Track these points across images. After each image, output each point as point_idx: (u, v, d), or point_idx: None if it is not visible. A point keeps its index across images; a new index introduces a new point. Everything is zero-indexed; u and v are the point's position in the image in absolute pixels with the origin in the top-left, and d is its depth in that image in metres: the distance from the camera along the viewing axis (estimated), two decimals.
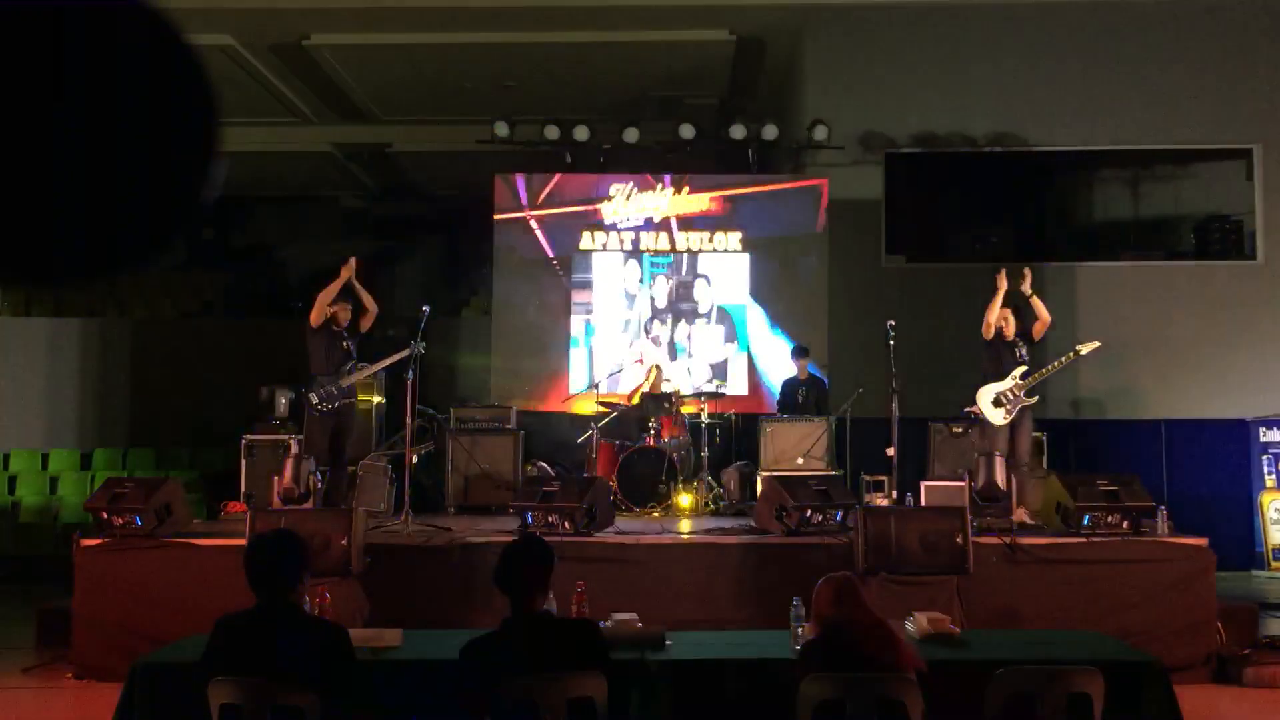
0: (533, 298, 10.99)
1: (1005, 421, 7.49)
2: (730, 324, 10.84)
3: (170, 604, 6.07)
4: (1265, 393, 10.75)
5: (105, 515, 6.53)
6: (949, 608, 5.45)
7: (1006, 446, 7.49)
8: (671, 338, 10.86)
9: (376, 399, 10.14)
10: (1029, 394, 7.52)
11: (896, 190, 11.39)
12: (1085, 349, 7.56)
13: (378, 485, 8.57)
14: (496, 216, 11.04)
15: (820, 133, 10.72)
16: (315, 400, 7.33)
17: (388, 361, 7.80)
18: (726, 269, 10.93)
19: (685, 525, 7.76)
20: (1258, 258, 11.22)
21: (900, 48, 11.31)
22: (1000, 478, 6.75)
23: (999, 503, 6.70)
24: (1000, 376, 7.58)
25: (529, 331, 10.94)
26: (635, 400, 9.43)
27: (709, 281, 10.88)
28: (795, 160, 11.71)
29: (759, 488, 8.30)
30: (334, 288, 7.53)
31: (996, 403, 7.54)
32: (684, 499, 8.52)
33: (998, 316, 7.63)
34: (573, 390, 10.50)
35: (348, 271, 7.58)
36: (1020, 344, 7.68)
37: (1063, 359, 7.63)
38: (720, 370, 10.71)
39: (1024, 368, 7.58)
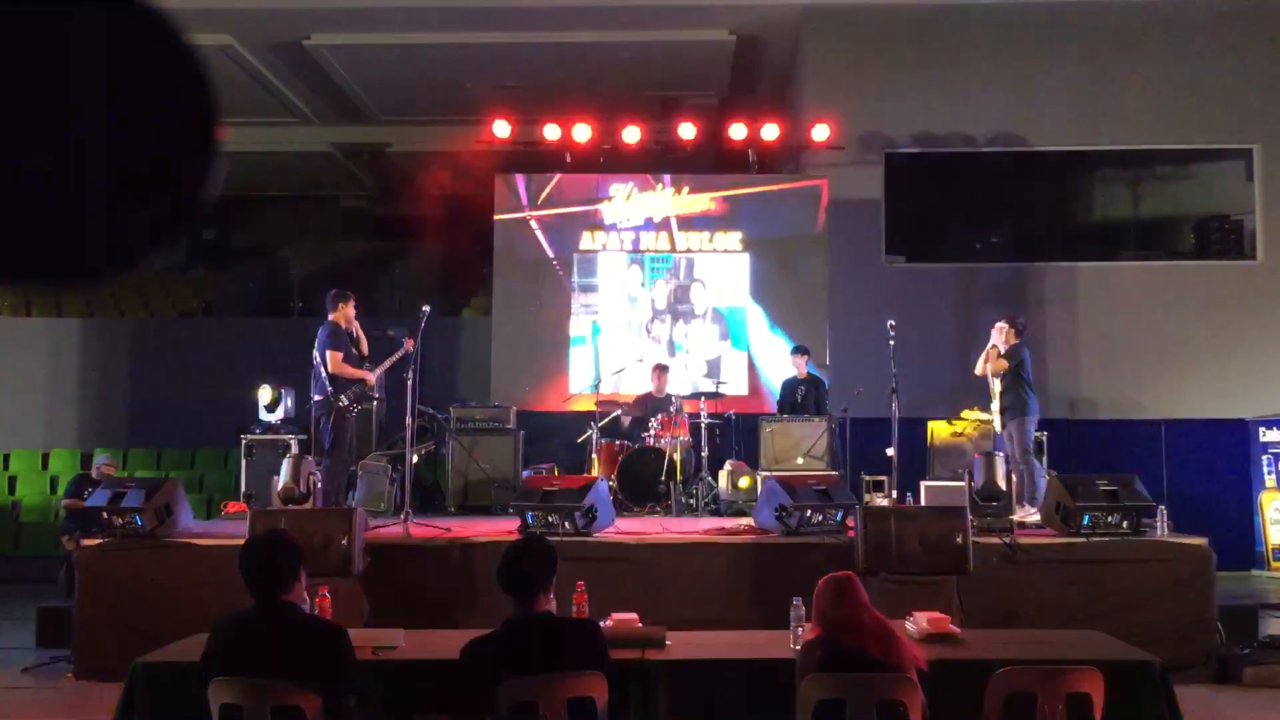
0: (533, 298, 10.98)
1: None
2: (724, 324, 10.87)
3: (170, 604, 6.08)
4: (1265, 393, 10.74)
5: (106, 515, 6.53)
6: (949, 608, 5.44)
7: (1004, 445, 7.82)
8: (670, 336, 10.89)
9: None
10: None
11: (896, 190, 11.39)
12: None
13: (378, 485, 8.57)
14: (496, 216, 11.04)
15: (820, 133, 10.71)
16: (345, 402, 7.53)
17: (388, 364, 7.93)
18: (726, 269, 10.93)
19: (685, 525, 7.75)
20: (1258, 258, 11.21)
21: (900, 48, 11.30)
22: (1000, 478, 6.74)
23: (999, 503, 6.69)
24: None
25: (529, 331, 10.93)
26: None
27: (704, 285, 10.93)
28: (795, 160, 11.70)
29: (759, 487, 8.30)
30: (352, 374, 7.70)
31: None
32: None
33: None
34: (573, 390, 10.51)
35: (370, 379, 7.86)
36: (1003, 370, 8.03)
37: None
38: (715, 366, 10.74)
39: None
